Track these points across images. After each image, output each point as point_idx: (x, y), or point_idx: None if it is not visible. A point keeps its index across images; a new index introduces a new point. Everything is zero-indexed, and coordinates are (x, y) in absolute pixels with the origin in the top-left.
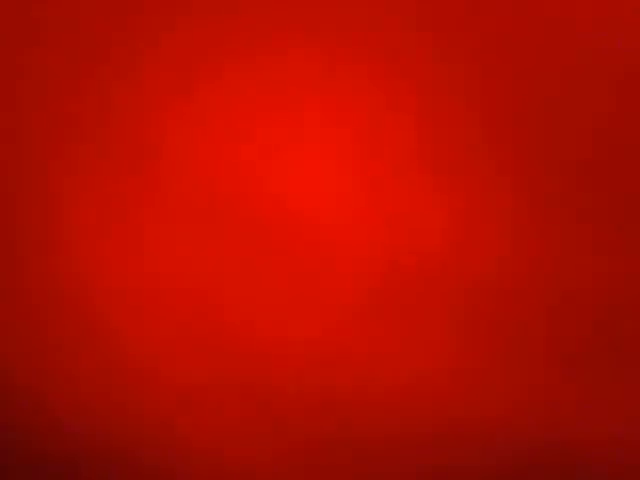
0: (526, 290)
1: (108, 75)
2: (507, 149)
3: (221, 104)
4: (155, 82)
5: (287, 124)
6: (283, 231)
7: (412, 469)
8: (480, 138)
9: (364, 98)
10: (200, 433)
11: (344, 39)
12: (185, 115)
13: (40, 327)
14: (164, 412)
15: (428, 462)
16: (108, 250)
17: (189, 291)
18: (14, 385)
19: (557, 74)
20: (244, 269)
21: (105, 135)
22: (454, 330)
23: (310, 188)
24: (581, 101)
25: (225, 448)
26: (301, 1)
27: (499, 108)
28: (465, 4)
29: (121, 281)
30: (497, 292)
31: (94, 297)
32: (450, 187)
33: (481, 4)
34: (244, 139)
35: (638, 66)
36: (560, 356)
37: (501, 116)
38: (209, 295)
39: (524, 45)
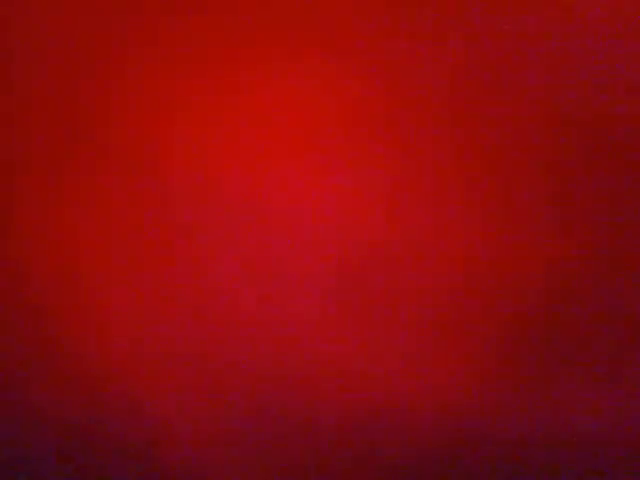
0: (501, 287)
1: (100, 75)
2: (500, 149)
3: (227, 104)
4: (150, 83)
5: (274, 121)
6: (274, 224)
7: (385, 459)
8: (474, 140)
9: (356, 99)
10: (176, 428)
11: (342, 43)
12: (183, 116)
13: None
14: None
15: (397, 453)
16: (91, 244)
17: (178, 288)
18: None
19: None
20: (232, 262)
21: (96, 132)
22: (444, 328)
23: (299, 187)
24: (581, 103)
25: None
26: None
27: (502, 111)
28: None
29: (104, 274)
30: (480, 290)
31: (73, 292)
32: (440, 187)
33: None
34: (243, 140)
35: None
36: (553, 355)
37: (503, 118)
38: (197, 290)
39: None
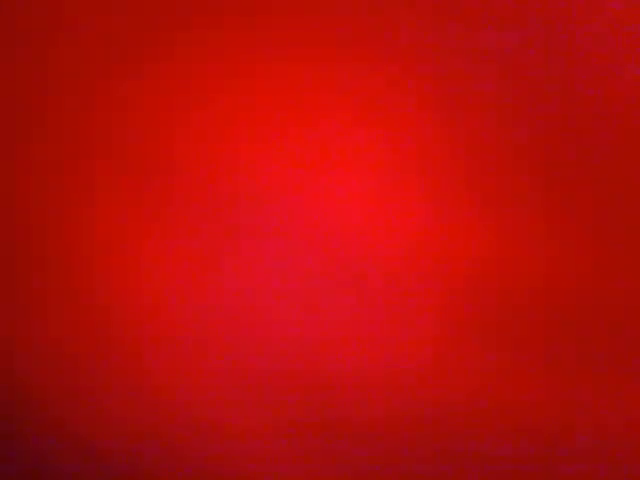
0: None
1: (118, 80)
2: (530, 158)
3: (246, 110)
4: (170, 89)
5: (308, 131)
6: (307, 238)
7: (413, 458)
8: (507, 150)
9: (388, 104)
10: (210, 426)
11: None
12: (201, 122)
13: (56, 338)
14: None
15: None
16: (127, 259)
17: (214, 300)
18: (28, 392)
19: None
20: (264, 275)
21: (116, 140)
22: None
23: (335, 195)
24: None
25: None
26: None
27: (524, 119)
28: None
29: (138, 289)
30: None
31: (109, 305)
32: (480, 198)
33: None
34: (264, 146)
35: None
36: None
37: (525, 126)
38: (233, 302)
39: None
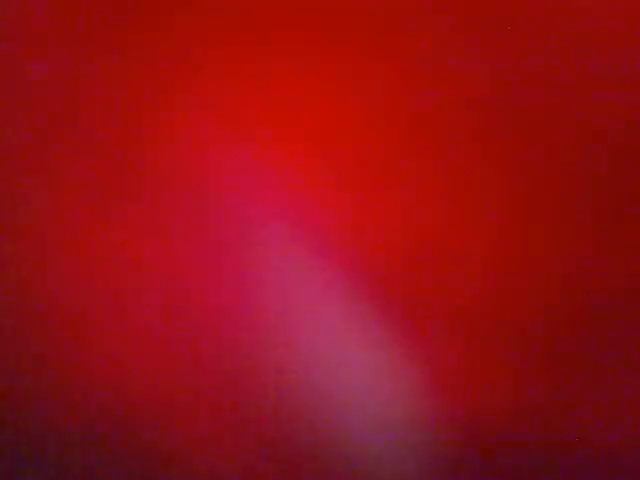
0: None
1: (96, 71)
2: (507, 141)
3: (222, 99)
4: (140, 87)
5: (277, 117)
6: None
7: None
8: (478, 133)
9: (358, 91)
10: (181, 437)
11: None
12: (172, 122)
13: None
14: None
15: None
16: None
17: (184, 298)
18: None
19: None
20: (240, 267)
21: (96, 130)
22: (458, 331)
23: (303, 183)
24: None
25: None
26: None
27: (500, 104)
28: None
29: (108, 279)
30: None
31: (78, 297)
32: (450, 182)
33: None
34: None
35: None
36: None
37: (500, 109)
38: (206, 299)
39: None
